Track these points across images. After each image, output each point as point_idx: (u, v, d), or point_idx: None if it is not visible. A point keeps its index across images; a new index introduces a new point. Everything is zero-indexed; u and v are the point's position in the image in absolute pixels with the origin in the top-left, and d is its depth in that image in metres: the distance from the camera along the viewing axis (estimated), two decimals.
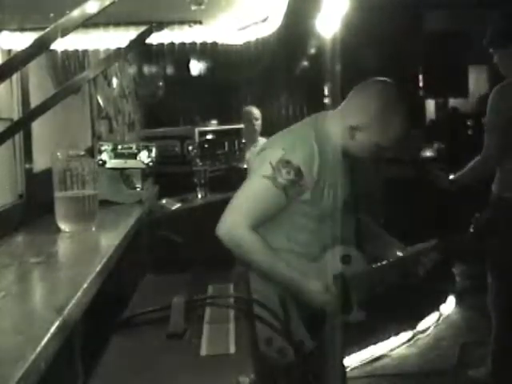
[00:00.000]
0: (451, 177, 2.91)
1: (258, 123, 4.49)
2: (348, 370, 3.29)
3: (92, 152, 2.29)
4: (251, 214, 1.81)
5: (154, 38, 1.69)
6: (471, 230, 2.04)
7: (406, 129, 1.89)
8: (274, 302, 1.81)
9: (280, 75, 5.81)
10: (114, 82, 3.59)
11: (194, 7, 1.36)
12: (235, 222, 1.81)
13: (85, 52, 2.54)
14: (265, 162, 1.84)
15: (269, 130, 4.60)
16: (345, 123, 1.88)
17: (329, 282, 1.88)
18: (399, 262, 2.04)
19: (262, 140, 4.58)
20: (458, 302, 4.26)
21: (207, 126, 4.03)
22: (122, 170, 2.27)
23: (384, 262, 2.03)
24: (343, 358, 2.24)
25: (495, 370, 2.94)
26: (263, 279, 1.84)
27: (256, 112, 4.51)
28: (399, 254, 2.06)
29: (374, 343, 3.51)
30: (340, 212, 1.94)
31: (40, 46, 1.14)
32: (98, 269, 1.23)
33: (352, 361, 3.35)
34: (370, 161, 2.02)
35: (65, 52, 2.23)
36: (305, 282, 1.83)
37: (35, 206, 1.84)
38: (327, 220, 1.92)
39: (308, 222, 1.90)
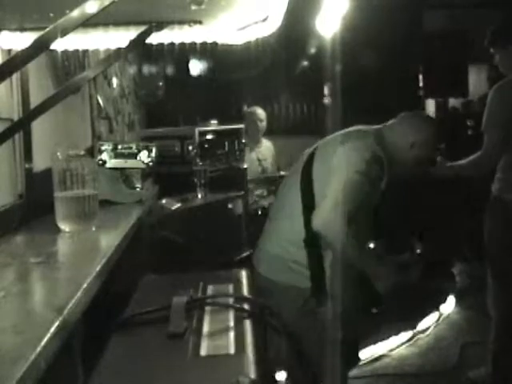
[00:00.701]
0: (449, 164, 2.91)
1: (263, 124, 4.46)
2: None
3: (92, 152, 2.29)
4: (350, 208, 1.96)
5: (154, 38, 1.69)
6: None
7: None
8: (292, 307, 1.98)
9: (280, 75, 5.81)
10: (114, 82, 3.59)
11: (193, 7, 1.36)
12: (337, 216, 1.94)
13: (85, 52, 2.54)
14: (355, 157, 2.02)
15: (268, 130, 4.61)
16: (407, 139, 2.20)
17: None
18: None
19: (264, 141, 4.57)
20: (458, 302, 4.26)
21: (207, 126, 4.02)
22: (121, 169, 2.27)
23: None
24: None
25: (495, 370, 2.94)
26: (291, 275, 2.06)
27: (260, 113, 4.48)
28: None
29: (374, 343, 3.51)
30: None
31: (40, 46, 1.14)
32: (97, 269, 1.23)
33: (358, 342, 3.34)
34: (416, 170, 2.32)
35: (65, 52, 2.23)
36: (382, 268, 2.08)
37: (35, 206, 1.83)
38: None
39: (366, 214, 2.12)
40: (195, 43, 1.85)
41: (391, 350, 3.59)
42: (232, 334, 1.09)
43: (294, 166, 2.30)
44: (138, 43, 1.66)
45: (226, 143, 3.83)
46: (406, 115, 2.29)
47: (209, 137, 3.70)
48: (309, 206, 2.05)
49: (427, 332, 3.85)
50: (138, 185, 2.35)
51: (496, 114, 2.76)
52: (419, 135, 2.22)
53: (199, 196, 3.25)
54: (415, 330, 3.78)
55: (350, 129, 2.23)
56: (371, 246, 2.16)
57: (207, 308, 1.21)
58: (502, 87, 2.79)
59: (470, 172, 2.89)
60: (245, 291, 1.35)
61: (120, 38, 1.66)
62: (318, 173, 2.10)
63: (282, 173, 3.94)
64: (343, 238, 1.93)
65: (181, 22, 1.58)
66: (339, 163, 2.04)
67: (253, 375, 0.93)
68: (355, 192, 1.98)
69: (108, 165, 2.28)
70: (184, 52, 4.78)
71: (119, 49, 1.75)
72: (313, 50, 5.75)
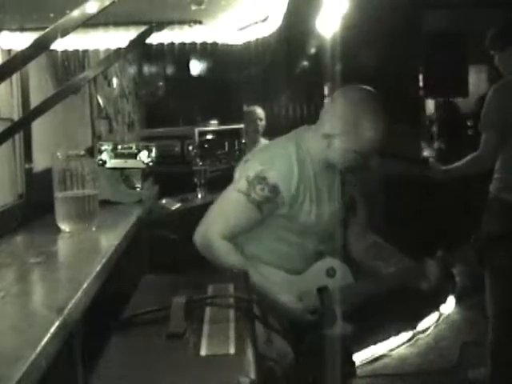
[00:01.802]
0: (444, 168, 2.94)
1: (262, 124, 4.46)
2: None
3: (92, 152, 2.29)
4: (225, 225, 1.84)
5: (154, 38, 1.69)
6: (472, 241, 2.07)
7: (381, 135, 1.85)
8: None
9: (280, 75, 5.81)
10: (114, 81, 3.59)
11: (194, 7, 1.36)
12: (209, 231, 1.85)
13: (85, 52, 2.54)
14: (243, 175, 1.87)
15: (268, 130, 4.61)
16: (320, 132, 1.89)
17: (302, 294, 1.89)
18: (387, 278, 2.06)
19: (263, 140, 4.57)
20: (458, 302, 4.26)
21: (207, 126, 4.02)
22: (122, 169, 2.27)
23: (370, 278, 2.06)
24: (346, 361, 2.23)
25: (494, 370, 2.94)
26: None
27: (260, 112, 4.47)
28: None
29: (374, 343, 3.51)
30: (325, 225, 1.95)
31: (40, 46, 1.15)
32: (97, 269, 1.23)
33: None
34: (349, 169, 1.98)
35: (65, 52, 2.23)
36: (276, 293, 1.84)
37: (35, 206, 1.84)
38: (311, 233, 1.93)
39: (288, 235, 1.91)
40: (195, 43, 1.85)
41: (391, 350, 3.59)
42: (232, 334, 1.09)
43: None
44: (138, 43, 1.66)
45: (226, 143, 3.84)
46: (331, 98, 1.99)
47: (209, 137, 3.71)
48: None
49: (427, 332, 3.85)
50: (138, 185, 2.34)
51: (493, 115, 2.77)
52: (337, 123, 1.85)
53: (199, 196, 3.26)
54: (415, 330, 3.78)
55: (282, 136, 2.02)
56: (329, 265, 1.94)
57: (207, 308, 1.21)
58: (500, 88, 2.81)
59: (467, 172, 2.91)
60: (245, 291, 1.35)
61: (120, 37, 1.66)
62: None
63: None
64: (216, 253, 1.83)
65: (181, 22, 1.58)
66: (235, 176, 1.96)
67: (253, 375, 0.93)
68: (233, 211, 1.86)
69: (108, 165, 2.27)
70: (184, 52, 4.78)
71: (119, 49, 1.75)
72: (313, 50, 5.75)
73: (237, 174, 1.97)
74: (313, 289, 1.92)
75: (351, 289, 1.97)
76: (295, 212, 1.87)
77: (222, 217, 1.86)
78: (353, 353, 2.32)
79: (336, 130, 1.85)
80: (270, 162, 1.86)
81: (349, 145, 1.84)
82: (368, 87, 1.92)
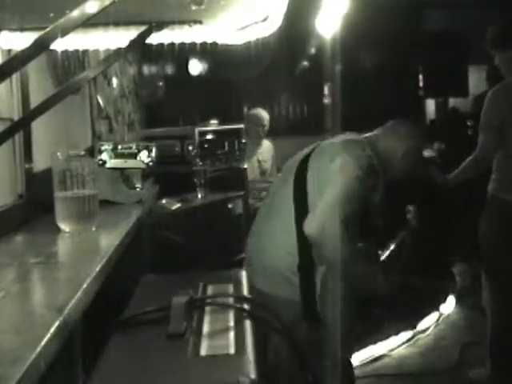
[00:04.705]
0: (450, 177, 2.96)
1: (266, 128, 4.44)
2: None
3: (92, 152, 2.29)
4: (344, 213, 1.95)
5: (154, 38, 1.69)
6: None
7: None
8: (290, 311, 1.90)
9: (280, 75, 5.81)
10: (114, 82, 3.59)
11: (194, 7, 1.36)
12: (331, 221, 1.93)
13: (85, 52, 2.54)
14: (353, 166, 2.02)
15: (268, 130, 4.60)
16: (397, 148, 2.22)
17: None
18: None
19: (266, 142, 4.56)
20: (458, 302, 4.26)
21: (207, 126, 4.02)
22: (122, 169, 2.27)
23: None
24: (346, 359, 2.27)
25: (494, 370, 2.95)
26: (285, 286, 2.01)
27: (264, 116, 4.44)
28: None
29: (374, 343, 3.51)
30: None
31: (40, 46, 1.15)
32: (97, 269, 1.23)
33: (352, 361, 3.35)
34: (403, 179, 2.33)
35: (65, 52, 2.23)
36: (379, 275, 2.11)
37: (35, 205, 1.84)
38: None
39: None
40: (195, 43, 1.85)
41: (391, 350, 3.59)
42: (232, 334, 1.09)
43: (283, 172, 2.28)
44: (138, 43, 1.67)
45: (226, 143, 3.83)
46: (396, 123, 2.32)
47: (209, 137, 3.70)
48: (302, 214, 2.01)
49: (427, 332, 3.85)
50: (138, 185, 2.35)
51: (492, 117, 2.80)
52: (410, 144, 2.25)
53: (199, 196, 3.25)
54: (415, 330, 3.78)
55: (345, 137, 2.23)
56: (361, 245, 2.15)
57: (207, 308, 1.21)
58: (498, 91, 2.83)
59: (469, 175, 2.94)
60: (245, 291, 1.35)
61: (120, 37, 1.66)
62: (313, 182, 2.06)
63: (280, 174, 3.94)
64: (339, 243, 1.90)
65: (181, 22, 1.58)
66: (337, 171, 2.02)
67: (253, 375, 0.93)
68: (352, 197, 1.98)
69: (108, 165, 2.28)
70: (184, 52, 4.78)
71: (119, 49, 1.75)
72: (313, 50, 5.75)
73: (332, 168, 2.05)
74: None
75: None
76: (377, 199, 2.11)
77: (341, 206, 1.95)
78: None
79: (409, 148, 2.25)
80: (368, 154, 2.11)
81: (413, 161, 2.30)
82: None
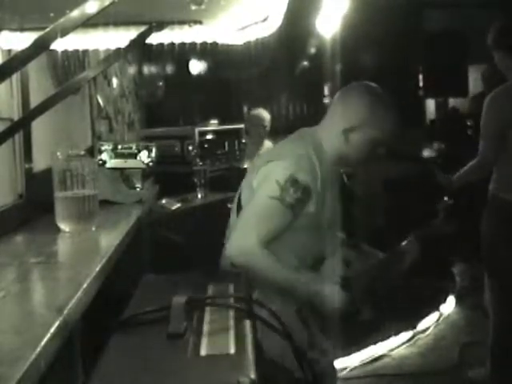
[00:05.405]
0: (454, 178, 2.96)
1: (267, 129, 4.43)
2: (348, 370, 3.30)
3: (92, 152, 2.29)
4: (261, 232, 1.80)
5: (154, 38, 1.69)
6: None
7: (396, 122, 1.95)
8: (292, 317, 1.82)
9: (280, 75, 5.81)
10: (114, 82, 3.59)
11: (193, 7, 1.36)
12: (247, 241, 1.79)
13: (85, 52, 2.54)
14: (270, 180, 1.83)
15: (269, 130, 4.60)
16: (337, 128, 1.92)
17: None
18: (387, 259, 2.08)
19: (267, 143, 4.56)
20: (458, 302, 4.26)
21: (207, 126, 4.02)
22: (122, 169, 2.28)
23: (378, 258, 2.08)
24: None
25: (494, 370, 2.94)
26: (279, 296, 1.82)
27: (266, 116, 4.42)
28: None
29: (374, 343, 3.51)
30: (337, 220, 1.99)
31: (40, 46, 1.15)
32: (97, 269, 1.23)
33: (352, 361, 3.35)
34: (369, 161, 2.02)
35: (65, 52, 2.23)
36: (323, 286, 1.83)
37: (35, 205, 1.84)
38: (322, 231, 1.95)
39: (304, 235, 1.91)
40: (195, 43, 1.85)
41: (391, 350, 3.59)
42: (232, 334, 1.09)
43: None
44: (138, 43, 1.67)
45: (226, 143, 3.84)
46: (338, 95, 1.98)
47: (209, 137, 3.71)
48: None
49: (427, 332, 3.85)
50: (138, 185, 2.35)
51: (492, 123, 2.80)
52: (354, 116, 1.90)
53: (199, 196, 3.26)
54: (415, 330, 3.78)
55: (285, 142, 2.02)
56: (342, 257, 1.96)
57: (207, 308, 1.21)
58: (497, 94, 2.82)
59: (469, 180, 2.95)
60: (245, 291, 1.35)
61: (120, 37, 1.66)
62: (244, 195, 1.96)
63: None
64: (258, 262, 1.78)
65: (181, 22, 1.58)
66: (257, 186, 1.89)
67: (253, 375, 0.93)
68: (269, 217, 1.82)
69: (108, 165, 2.28)
70: (184, 52, 4.78)
71: (119, 49, 1.75)
72: (313, 50, 5.75)
73: (255, 178, 1.91)
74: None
75: (367, 273, 1.99)
76: (319, 210, 1.89)
77: (257, 225, 1.81)
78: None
79: (355, 122, 1.90)
80: (296, 163, 1.85)
81: (367, 135, 1.91)
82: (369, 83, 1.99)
